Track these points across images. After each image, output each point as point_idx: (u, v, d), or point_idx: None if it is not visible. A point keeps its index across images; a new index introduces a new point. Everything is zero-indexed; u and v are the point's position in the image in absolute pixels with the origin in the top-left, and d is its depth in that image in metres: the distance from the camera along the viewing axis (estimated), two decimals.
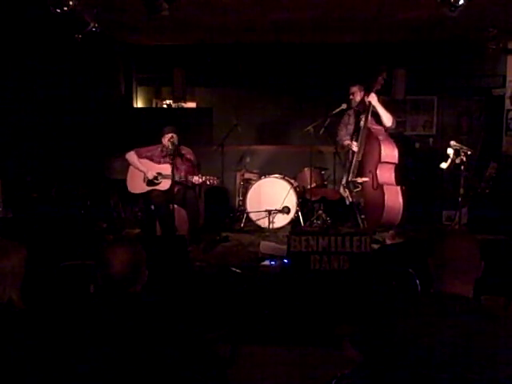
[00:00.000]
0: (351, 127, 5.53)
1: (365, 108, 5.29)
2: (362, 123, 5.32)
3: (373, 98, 5.18)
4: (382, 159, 5.10)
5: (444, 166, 4.96)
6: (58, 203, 5.67)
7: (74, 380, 1.72)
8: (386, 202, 5.00)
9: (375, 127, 5.26)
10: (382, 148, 5.09)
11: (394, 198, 5.06)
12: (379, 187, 5.11)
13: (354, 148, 5.35)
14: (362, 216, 5.38)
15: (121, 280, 1.87)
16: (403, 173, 5.42)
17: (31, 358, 1.76)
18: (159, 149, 5.35)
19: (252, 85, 7.36)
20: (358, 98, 5.41)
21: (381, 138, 5.15)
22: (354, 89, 5.42)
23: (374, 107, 5.20)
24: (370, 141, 5.24)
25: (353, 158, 5.36)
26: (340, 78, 6.93)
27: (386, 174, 5.14)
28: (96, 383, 1.72)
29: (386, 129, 5.29)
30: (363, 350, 1.83)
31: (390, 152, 5.13)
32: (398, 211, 5.07)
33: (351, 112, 5.54)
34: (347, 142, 5.48)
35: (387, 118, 5.21)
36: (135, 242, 2.00)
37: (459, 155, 4.82)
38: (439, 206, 6.83)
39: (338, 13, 5.50)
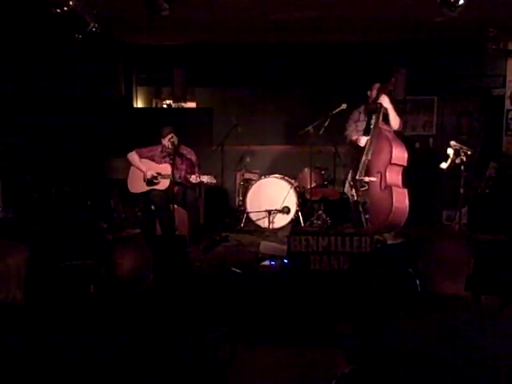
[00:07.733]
0: (361, 124, 5.47)
1: (376, 108, 5.25)
2: (372, 122, 5.28)
3: (384, 100, 5.16)
4: (393, 161, 5.07)
5: (444, 165, 4.96)
6: (58, 203, 5.67)
7: (76, 379, 1.72)
8: (394, 203, 4.97)
9: (386, 128, 5.23)
10: (394, 150, 5.06)
11: (402, 200, 5.05)
12: (387, 188, 5.08)
13: (361, 143, 5.29)
14: (367, 216, 5.35)
15: (126, 282, 1.87)
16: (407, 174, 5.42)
17: (34, 357, 1.76)
18: (159, 149, 5.38)
19: (252, 85, 7.34)
20: (374, 94, 5.35)
21: (392, 139, 5.12)
22: (376, 85, 5.36)
23: (385, 109, 5.18)
24: (380, 141, 5.19)
25: (359, 156, 5.28)
26: (340, 77, 6.95)
27: (395, 176, 5.12)
28: (97, 382, 1.72)
29: (393, 131, 5.26)
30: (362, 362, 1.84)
31: (400, 154, 5.11)
32: (404, 213, 5.06)
33: (362, 109, 5.50)
34: (355, 137, 5.41)
35: (395, 121, 5.21)
36: (144, 245, 1.99)
37: (459, 155, 4.82)
38: (439, 206, 6.83)
39: (338, 13, 5.50)
